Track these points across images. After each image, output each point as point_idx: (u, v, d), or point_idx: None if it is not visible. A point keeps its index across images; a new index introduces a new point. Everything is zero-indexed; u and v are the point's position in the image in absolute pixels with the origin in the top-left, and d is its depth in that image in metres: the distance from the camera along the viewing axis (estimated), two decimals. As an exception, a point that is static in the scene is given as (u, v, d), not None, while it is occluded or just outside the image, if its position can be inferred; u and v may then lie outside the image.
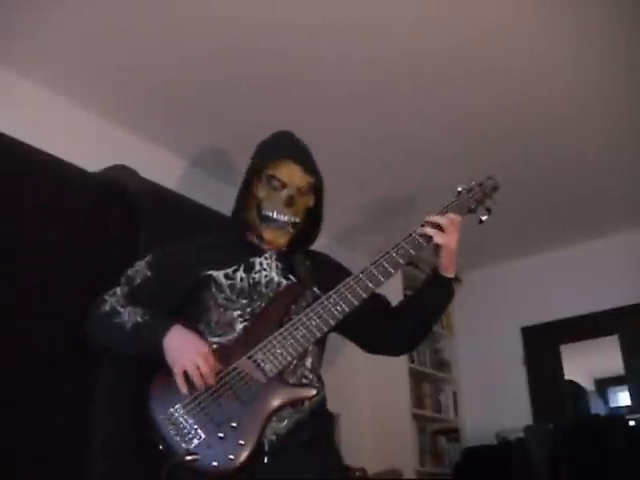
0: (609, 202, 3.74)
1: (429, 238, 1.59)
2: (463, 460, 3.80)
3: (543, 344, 4.25)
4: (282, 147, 1.70)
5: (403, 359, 3.99)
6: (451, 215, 1.62)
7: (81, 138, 2.68)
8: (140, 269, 1.64)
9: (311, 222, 1.74)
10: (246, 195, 1.70)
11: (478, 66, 2.59)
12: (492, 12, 2.31)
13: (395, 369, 3.94)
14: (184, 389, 1.43)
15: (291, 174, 1.65)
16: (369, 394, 4.00)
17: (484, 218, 1.70)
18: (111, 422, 1.76)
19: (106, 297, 1.60)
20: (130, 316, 1.52)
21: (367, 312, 1.65)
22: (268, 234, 1.66)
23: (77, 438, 1.73)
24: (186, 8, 2.27)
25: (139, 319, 1.51)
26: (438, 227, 1.59)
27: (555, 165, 3.33)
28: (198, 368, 1.41)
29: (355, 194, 3.52)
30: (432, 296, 1.69)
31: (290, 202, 1.64)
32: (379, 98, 2.78)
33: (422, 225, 1.61)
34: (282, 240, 1.67)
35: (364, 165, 3.29)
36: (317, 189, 1.72)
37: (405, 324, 1.71)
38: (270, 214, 1.65)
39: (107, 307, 1.57)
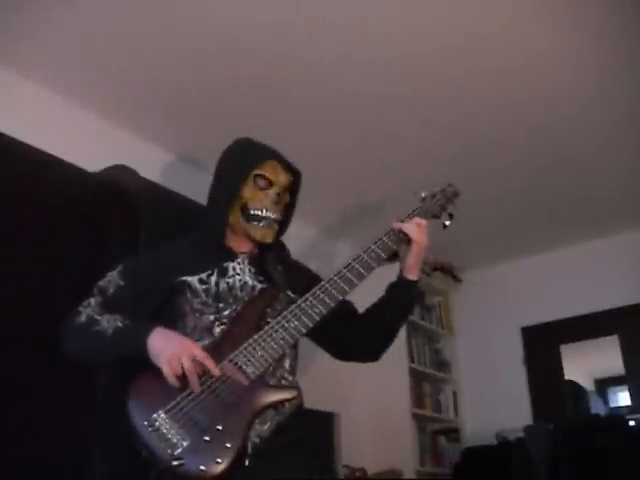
0: (609, 202, 3.74)
1: (400, 240, 1.66)
2: (463, 460, 3.80)
3: (543, 344, 4.25)
4: (261, 148, 1.75)
5: (403, 359, 3.99)
6: (417, 219, 1.68)
7: (81, 138, 2.68)
8: (112, 279, 1.62)
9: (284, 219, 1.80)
10: (225, 198, 1.70)
11: (477, 66, 2.59)
12: (492, 12, 2.31)
13: (395, 369, 3.94)
14: (176, 384, 1.40)
15: (276, 173, 1.70)
16: (369, 394, 4.00)
17: (447, 223, 1.78)
18: (110, 424, 1.76)
19: (80, 309, 1.57)
20: (110, 322, 1.50)
21: (334, 318, 1.64)
22: (257, 233, 1.68)
23: (77, 439, 1.73)
24: (186, 8, 2.27)
25: (119, 324, 1.49)
26: (404, 233, 1.66)
27: (555, 165, 3.33)
28: (183, 365, 1.39)
29: (347, 189, 3.52)
30: (396, 300, 1.72)
31: (278, 200, 1.69)
32: (377, 98, 2.78)
33: (390, 229, 1.67)
34: (269, 238, 1.70)
35: (358, 162, 3.29)
36: (294, 186, 1.77)
37: (371, 329, 1.74)
38: (259, 213, 1.67)
39: (83, 318, 1.54)
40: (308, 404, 1.71)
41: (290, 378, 1.59)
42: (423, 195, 1.77)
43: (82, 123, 2.75)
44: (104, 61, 2.52)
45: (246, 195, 1.68)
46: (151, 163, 2.83)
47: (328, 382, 3.33)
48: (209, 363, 1.41)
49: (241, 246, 1.70)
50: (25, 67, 2.51)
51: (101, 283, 1.63)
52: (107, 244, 1.96)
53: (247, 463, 1.43)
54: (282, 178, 1.71)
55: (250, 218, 1.68)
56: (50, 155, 1.98)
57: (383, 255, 1.63)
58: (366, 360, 1.84)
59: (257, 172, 1.68)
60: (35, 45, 2.41)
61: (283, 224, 1.78)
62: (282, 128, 2.86)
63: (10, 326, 1.69)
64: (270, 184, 1.68)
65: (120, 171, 2.21)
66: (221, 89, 2.71)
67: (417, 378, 4.16)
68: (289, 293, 1.65)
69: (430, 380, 4.34)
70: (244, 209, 1.68)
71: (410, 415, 3.94)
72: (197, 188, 2.64)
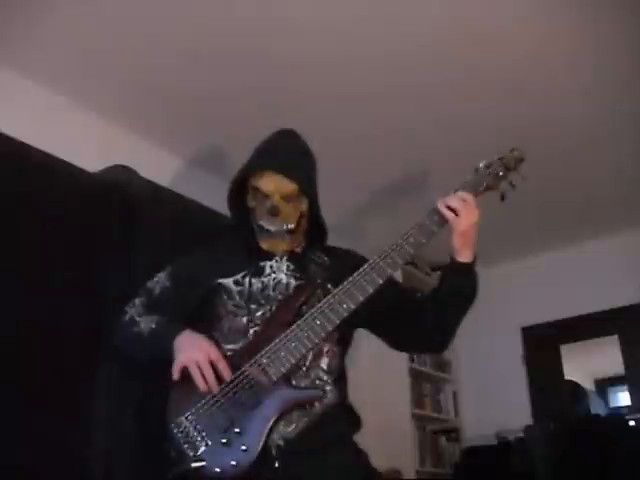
0: (609, 202, 3.74)
1: (441, 222, 1.50)
2: (463, 460, 3.80)
3: (543, 344, 4.25)
4: (263, 157, 1.68)
5: (403, 359, 3.98)
6: (461, 194, 1.52)
7: (81, 138, 2.67)
8: (160, 280, 1.67)
9: (313, 223, 1.73)
10: (243, 204, 1.71)
11: (477, 65, 2.59)
12: (491, 10, 2.31)
13: (395, 369, 3.94)
14: (176, 376, 1.43)
15: (272, 184, 1.62)
16: (369, 394, 4.00)
17: (505, 194, 1.58)
18: (111, 425, 1.76)
19: (126, 308, 1.64)
20: (146, 323, 1.56)
21: (392, 307, 1.61)
22: (264, 244, 1.68)
23: (77, 438, 1.73)
24: (186, 8, 2.27)
25: (153, 325, 1.54)
26: (452, 209, 1.50)
27: (555, 165, 3.33)
28: (199, 367, 1.42)
29: (362, 185, 3.50)
30: (452, 285, 1.59)
31: (274, 212, 1.61)
32: (378, 96, 2.79)
33: (432, 209, 1.52)
34: (280, 248, 1.66)
35: (367, 158, 3.28)
36: (305, 191, 1.66)
37: (431, 318, 1.62)
38: (262, 224, 1.64)
39: (127, 317, 1.61)
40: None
41: (325, 378, 1.52)
42: (479, 165, 1.59)
43: (82, 123, 2.75)
44: (104, 61, 2.52)
45: (251, 205, 1.68)
46: (151, 163, 2.82)
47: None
48: (222, 366, 1.43)
49: (278, 246, 1.66)
50: (25, 67, 2.51)
51: (149, 284, 1.67)
52: (107, 244, 1.96)
53: (277, 465, 1.41)
54: (280, 188, 1.61)
55: (258, 229, 1.67)
56: (50, 155, 1.98)
57: (423, 240, 1.49)
58: (429, 351, 1.78)
59: (253, 184, 1.65)
60: (35, 45, 2.41)
61: (316, 228, 1.71)
62: (282, 127, 2.85)
63: (10, 325, 1.69)
64: (266, 196, 1.62)
65: (120, 171, 2.20)
66: (221, 89, 2.71)
67: (417, 378, 4.16)
68: (329, 287, 1.55)
69: (430, 380, 4.33)
70: (254, 219, 1.67)
71: (410, 415, 3.94)
72: (197, 188, 2.64)
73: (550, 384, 4.17)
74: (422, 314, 1.63)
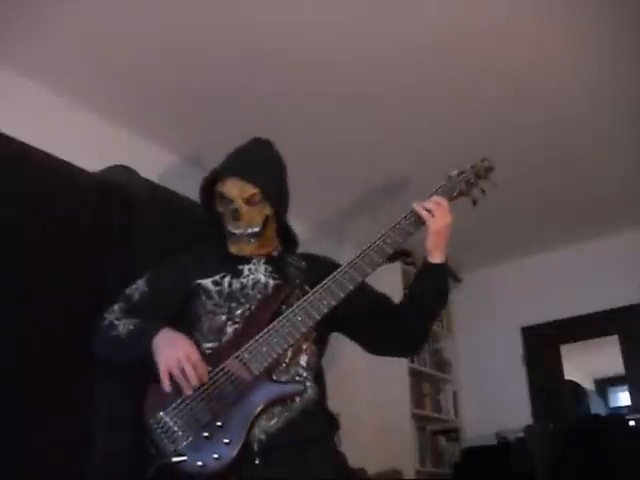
0: (608, 202, 3.74)
1: (418, 223, 1.58)
2: (463, 460, 3.80)
3: (543, 344, 4.25)
4: (227, 163, 1.74)
5: (403, 359, 3.98)
6: (436, 198, 1.60)
7: (81, 138, 2.67)
8: (139, 286, 1.70)
9: (280, 227, 1.77)
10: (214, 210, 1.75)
11: (478, 63, 2.59)
12: (491, 10, 2.31)
13: (395, 369, 3.94)
14: (167, 387, 1.45)
15: (235, 189, 1.68)
16: (369, 394, 4.00)
17: (477, 200, 1.68)
18: (110, 426, 1.77)
19: (105, 315, 1.67)
20: (125, 326, 1.58)
21: (367, 311, 1.66)
22: (233, 247, 1.72)
23: (76, 443, 1.73)
24: (186, 9, 2.27)
25: (131, 327, 1.57)
26: (427, 211, 1.58)
27: (555, 165, 3.33)
28: (182, 368, 1.44)
29: (343, 185, 3.48)
30: (425, 286, 1.63)
31: (236, 216, 1.67)
32: (376, 95, 2.79)
33: (409, 211, 1.59)
34: (247, 251, 1.70)
35: (357, 158, 3.28)
36: (268, 196, 1.71)
37: (404, 321, 1.66)
38: (229, 229, 1.70)
39: (106, 323, 1.64)
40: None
41: (305, 374, 1.56)
42: (452, 173, 1.68)
43: (82, 123, 2.75)
44: (105, 61, 2.52)
45: (219, 210, 1.72)
46: (151, 163, 2.83)
47: (328, 382, 3.32)
48: (201, 369, 1.45)
49: (244, 249, 1.71)
50: (25, 67, 2.51)
51: (127, 290, 1.70)
52: (107, 244, 1.96)
53: (257, 461, 1.43)
54: (241, 192, 1.67)
55: (227, 233, 1.71)
56: (50, 155, 1.98)
57: (400, 240, 1.56)
58: (402, 355, 1.83)
59: (218, 190, 1.71)
60: (36, 45, 2.41)
61: (284, 231, 1.77)
62: (282, 127, 2.86)
63: (10, 327, 1.69)
64: (230, 201, 1.68)
65: (120, 171, 2.20)
66: (221, 89, 2.71)
67: (417, 378, 4.16)
68: (307, 288, 1.61)
69: (430, 380, 4.33)
70: (223, 225, 1.72)
71: (410, 415, 3.94)
72: (197, 188, 2.64)
73: (550, 384, 4.17)
74: (397, 317, 1.68)
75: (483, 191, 1.68)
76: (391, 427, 3.87)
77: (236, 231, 1.68)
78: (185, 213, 2.19)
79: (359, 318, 1.65)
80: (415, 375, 4.12)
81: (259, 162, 1.74)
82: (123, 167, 2.23)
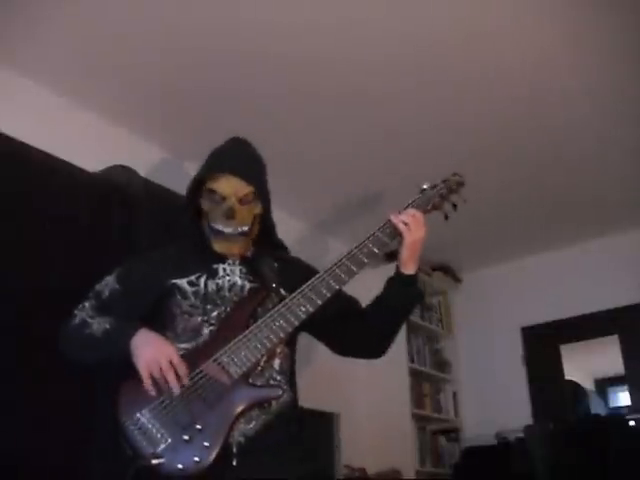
0: (609, 202, 3.74)
1: (393, 234, 1.60)
2: (463, 460, 3.80)
3: (543, 344, 4.25)
4: (220, 160, 1.72)
5: (403, 359, 4.00)
6: (411, 211, 1.62)
7: (81, 138, 2.67)
8: (108, 283, 1.66)
9: (263, 227, 1.76)
10: (196, 207, 1.72)
11: (476, 65, 2.59)
12: (491, 11, 2.31)
13: (395, 369, 3.94)
14: (150, 388, 1.44)
15: (229, 186, 1.65)
16: (369, 394, 4.00)
17: (449, 214, 1.69)
18: (111, 425, 1.76)
19: (76, 312, 1.62)
20: (100, 325, 1.55)
21: (336, 314, 1.65)
22: (218, 246, 1.69)
23: (76, 442, 1.73)
24: (185, 9, 2.27)
25: (107, 326, 1.54)
26: (404, 224, 1.60)
27: (555, 165, 3.33)
28: (161, 368, 1.43)
29: (338, 183, 3.46)
30: (395, 295, 1.66)
31: (230, 214, 1.64)
32: (375, 95, 2.79)
33: (386, 222, 1.61)
34: (235, 250, 1.69)
35: (354, 158, 3.27)
36: (260, 195, 1.70)
37: (370, 327, 1.69)
38: (217, 227, 1.66)
39: (77, 320, 1.59)
40: (308, 404, 1.70)
41: (279, 378, 1.57)
42: (424, 187, 1.69)
43: (82, 123, 2.75)
44: (104, 61, 2.52)
45: (205, 208, 1.69)
46: (151, 163, 2.83)
47: (328, 382, 3.33)
48: (182, 371, 1.45)
49: (231, 249, 1.69)
50: (25, 67, 2.51)
51: (97, 287, 1.67)
52: (107, 244, 1.96)
53: (235, 463, 1.44)
54: (236, 191, 1.65)
55: (213, 232, 1.68)
56: (50, 155, 1.98)
57: (376, 250, 1.58)
58: (368, 357, 1.83)
59: (209, 187, 1.67)
60: (35, 45, 2.41)
61: (268, 230, 1.77)
62: (281, 127, 2.87)
63: (11, 326, 1.69)
64: (223, 198, 1.65)
65: (120, 171, 2.21)
66: (221, 89, 2.71)
67: (417, 378, 4.16)
68: (282, 292, 1.62)
69: (430, 380, 4.34)
70: (207, 222, 1.69)
71: (410, 415, 3.94)
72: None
73: (550, 384, 4.17)
74: (365, 321, 1.70)
75: (454, 205, 1.69)
76: (391, 427, 3.87)
77: (226, 230, 1.65)
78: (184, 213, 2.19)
79: (329, 321, 1.65)
80: (415, 375, 4.12)
81: (249, 161, 1.74)
82: (123, 167, 2.24)
